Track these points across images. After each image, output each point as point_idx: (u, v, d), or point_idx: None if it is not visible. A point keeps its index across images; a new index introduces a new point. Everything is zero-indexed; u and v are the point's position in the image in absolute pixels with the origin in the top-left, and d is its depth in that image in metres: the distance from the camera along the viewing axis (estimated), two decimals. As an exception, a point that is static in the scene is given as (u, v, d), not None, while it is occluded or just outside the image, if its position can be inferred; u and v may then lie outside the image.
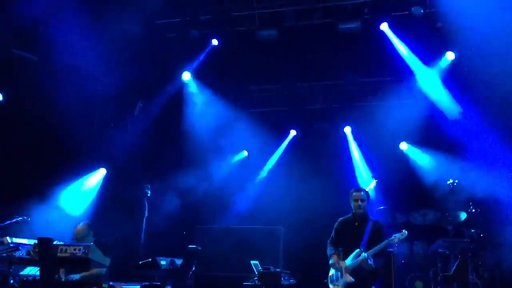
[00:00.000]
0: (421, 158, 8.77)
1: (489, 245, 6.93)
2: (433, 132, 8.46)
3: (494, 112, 7.59)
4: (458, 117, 8.20)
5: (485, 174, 7.49)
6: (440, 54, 8.33)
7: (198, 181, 9.39)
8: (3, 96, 8.37)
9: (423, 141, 8.70)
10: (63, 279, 5.43)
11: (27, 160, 8.29)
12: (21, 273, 5.81)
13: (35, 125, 8.23)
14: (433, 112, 8.42)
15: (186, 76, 9.39)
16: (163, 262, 5.65)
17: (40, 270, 5.18)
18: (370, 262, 5.43)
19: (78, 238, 5.92)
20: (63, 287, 5.39)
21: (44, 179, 8.37)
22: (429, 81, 8.47)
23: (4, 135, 8.16)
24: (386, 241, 5.49)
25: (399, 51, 8.33)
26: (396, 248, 7.23)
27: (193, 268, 6.39)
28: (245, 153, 9.89)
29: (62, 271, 5.62)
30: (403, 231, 5.51)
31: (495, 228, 6.95)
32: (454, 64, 8.28)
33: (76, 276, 5.56)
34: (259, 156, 9.66)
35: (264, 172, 9.60)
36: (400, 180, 8.42)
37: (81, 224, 6.12)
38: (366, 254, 5.43)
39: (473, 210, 7.12)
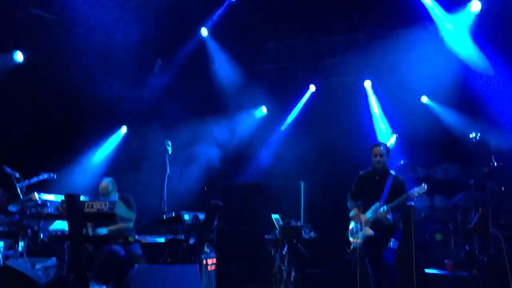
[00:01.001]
0: (442, 112, 8.63)
1: (510, 198, 6.90)
2: (457, 86, 8.28)
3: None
4: (485, 72, 8.00)
5: (508, 129, 7.40)
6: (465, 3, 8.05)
7: (219, 138, 9.47)
8: (24, 57, 8.43)
9: (446, 95, 8.53)
10: (91, 234, 5.63)
11: (52, 119, 8.44)
12: (50, 228, 6.04)
13: (56, 84, 8.32)
14: (458, 66, 8.21)
15: (204, 32, 9.31)
16: (186, 217, 5.79)
17: (68, 225, 5.36)
18: (389, 216, 5.48)
19: (103, 194, 6.11)
20: (91, 241, 5.58)
21: (69, 137, 8.54)
22: (455, 33, 8.22)
23: (27, 95, 8.29)
24: (405, 195, 5.53)
25: (422, 1, 8.08)
26: (416, 202, 7.25)
27: (216, 223, 6.55)
28: (264, 109, 9.86)
29: (89, 226, 5.82)
30: (423, 184, 5.52)
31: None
32: (482, 15, 7.98)
33: (104, 230, 5.76)
34: (279, 112, 9.64)
35: (284, 128, 9.59)
36: (421, 135, 8.32)
37: (105, 180, 6.29)
38: (385, 208, 5.49)
39: (495, 164, 7.04)
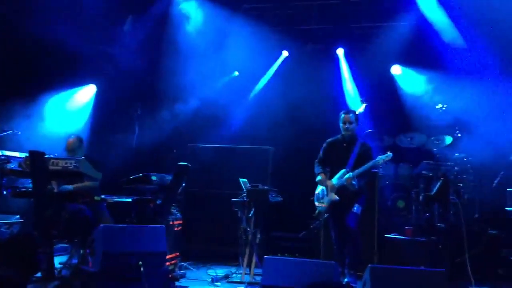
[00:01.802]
0: (412, 82, 8.75)
1: (471, 168, 7.13)
2: (427, 55, 8.37)
3: (495, 39, 7.51)
4: (456, 41, 8.09)
5: (475, 101, 7.56)
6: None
7: (190, 100, 9.39)
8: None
9: (417, 64, 8.64)
10: (55, 190, 5.56)
11: (16, 74, 8.16)
12: (14, 184, 5.94)
13: (23, 37, 8.01)
14: (430, 35, 8.27)
15: (178, -9, 9.08)
16: (154, 178, 5.79)
17: (32, 182, 5.29)
18: (354, 182, 5.62)
19: (69, 150, 6.01)
20: (56, 198, 5.51)
21: (34, 93, 8.29)
22: (429, 4, 8.25)
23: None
24: (371, 162, 5.67)
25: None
26: (381, 170, 7.42)
27: (183, 184, 6.57)
28: (236, 73, 9.79)
29: (54, 183, 5.74)
30: (388, 153, 5.69)
31: (478, 153, 7.11)
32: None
33: (69, 187, 5.70)
34: (250, 76, 9.57)
35: (255, 93, 9.56)
36: (389, 104, 8.46)
37: (72, 136, 6.18)
38: (351, 174, 5.61)
39: (459, 135, 7.24)
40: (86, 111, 9.33)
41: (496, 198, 7.05)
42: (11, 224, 6.16)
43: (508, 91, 7.38)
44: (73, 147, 6.06)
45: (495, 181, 7.18)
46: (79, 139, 6.19)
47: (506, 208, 6.75)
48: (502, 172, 7.17)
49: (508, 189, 6.92)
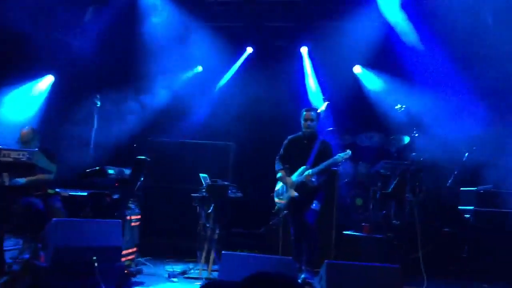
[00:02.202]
0: (373, 82, 8.91)
1: (427, 168, 7.30)
2: (388, 57, 8.54)
3: (451, 44, 7.72)
4: (415, 44, 8.28)
5: (432, 102, 7.76)
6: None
7: (151, 94, 9.25)
8: None
9: (377, 65, 8.79)
10: (7, 183, 5.36)
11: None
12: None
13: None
14: (391, 37, 8.44)
15: (140, -17, 8.91)
16: (111, 171, 5.69)
17: (-18, 174, 5.10)
18: (313, 179, 5.67)
19: (23, 142, 5.80)
20: (7, 191, 5.33)
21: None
22: (390, 5, 8.41)
23: None
24: (331, 160, 5.72)
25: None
26: (341, 168, 7.50)
27: (142, 179, 6.47)
28: (200, 68, 9.71)
29: (6, 176, 5.53)
30: (347, 150, 5.75)
31: (434, 153, 7.29)
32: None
33: (22, 180, 5.51)
34: (213, 72, 9.51)
35: (218, 88, 9.51)
36: (350, 103, 8.57)
37: (26, 127, 5.97)
38: (310, 171, 5.66)
39: (416, 135, 7.41)
40: (42, 102, 9.04)
41: (450, 197, 7.26)
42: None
43: (463, 93, 7.61)
44: (27, 138, 5.85)
45: (449, 180, 7.40)
46: (34, 131, 5.98)
47: (459, 207, 6.98)
48: (456, 172, 7.40)
49: (461, 189, 7.16)
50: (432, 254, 6.35)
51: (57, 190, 5.66)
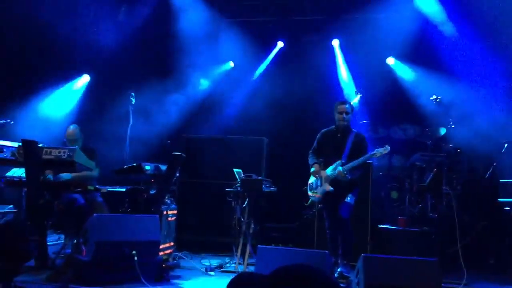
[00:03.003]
0: (407, 74, 8.76)
1: (464, 160, 7.16)
2: (423, 48, 8.38)
3: (487, 33, 7.52)
4: (450, 34, 8.10)
5: (469, 93, 7.59)
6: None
7: (185, 90, 9.37)
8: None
9: (411, 56, 8.63)
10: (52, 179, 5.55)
11: (9, 63, 8.10)
12: (7, 174, 5.91)
13: (16, 28, 7.94)
14: (424, 27, 8.28)
15: (172, -20, 9.01)
16: (147, 167, 5.79)
17: (26, 171, 5.28)
18: (347, 175, 5.62)
19: (70, 140, 6.04)
20: (49, 188, 5.51)
21: (27, 82, 8.25)
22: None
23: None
24: (368, 155, 5.64)
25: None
26: (375, 161, 7.44)
27: (177, 174, 6.57)
28: (231, 64, 9.76)
29: (49, 173, 5.73)
30: (386, 146, 5.62)
31: (471, 144, 7.14)
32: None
33: (68, 176, 5.70)
34: (245, 67, 9.54)
35: (250, 83, 9.53)
36: (384, 95, 8.46)
37: (72, 127, 6.20)
38: (341, 168, 5.61)
39: (453, 126, 7.26)
40: (80, 101, 9.29)
41: (489, 189, 7.09)
42: (4, 213, 6.14)
43: (501, 82, 7.40)
44: (74, 137, 6.11)
45: (488, 172, 7.22)
46: (79, 129, 6.23)
47: (499, 199, 6.81)
48: (494, 164, 7.21)
49: (500, 180, 6.97)
50: (471, 247, 6.23)
51: (97, 186, 5.80)
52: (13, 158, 5.32)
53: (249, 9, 9.51)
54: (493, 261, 6.37)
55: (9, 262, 3.28)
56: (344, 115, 5.84)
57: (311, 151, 6.10)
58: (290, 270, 1.86)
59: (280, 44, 9.53)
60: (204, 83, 9.61)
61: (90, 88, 9.40)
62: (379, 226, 6.66)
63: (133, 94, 8.27)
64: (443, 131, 7.46)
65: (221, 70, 9.73)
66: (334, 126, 6.02)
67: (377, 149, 5.61)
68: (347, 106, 5.91)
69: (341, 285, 5.20)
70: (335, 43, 9.23)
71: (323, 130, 6.12)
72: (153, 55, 9.27)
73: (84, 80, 9.37)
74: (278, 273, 1.89)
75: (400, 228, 6.50)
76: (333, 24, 9.10)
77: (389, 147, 5.61)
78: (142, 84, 9.11)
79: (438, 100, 7.38)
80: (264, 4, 9.41)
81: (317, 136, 6.12)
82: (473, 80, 7.67)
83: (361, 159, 5.59)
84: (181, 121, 9.06)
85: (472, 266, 5.89)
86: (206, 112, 9.14)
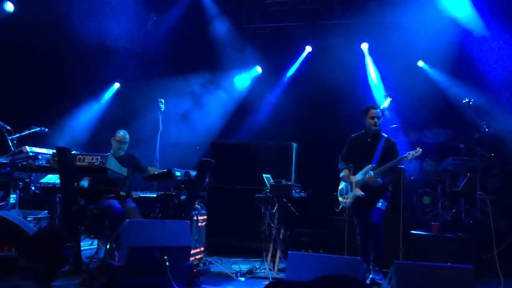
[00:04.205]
0: (437, 77, 8.60)
1: (499, 164, 6.97)
2: (453, 49, 8.23)
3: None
4: (481, 35, 7.93)
5: (502, 95, 7.40)
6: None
7: (213, 97, 9.44)
8: (15, 7, 8.21)
9: (442, 59, 8.48)
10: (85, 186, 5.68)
11: (44, 72, 8.32)
12: (42, 180, 6.06)
13: (48, 36, 8.16)
14: (455, 29, 8.13)
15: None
16: (178, 173, 5.85)
17: (60, 178, 5.40)
18: (378, 179, 5.54)
19: (123, 143, 6.17)
20: (84, 194, 5.61)
21: (61, 91, 8.46)
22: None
23: (18, 46, 8.13)
24: (399, 158, 5.57)
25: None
26: (406, 165, 7.32)
27: (207, 180, 6.61)
28: (259, 69, 9.78)
29: (85, 179, 5.84)
30: (418, 148, 5.54)
31: (506, 149, 6.96)
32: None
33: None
34: (273, 72, 9.55)
35: (278, 88, 9.53)
36: (414, 99, 8.32)
37: (122, 131, 6.33)
38: (372, 173, 5.53)
39: (486, 130, 7.08)
40: (110, 108, 9.47)
41: (524, 194, 6.90)
42: (39, 219, 6.28)
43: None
44: (126, 140, 6.29)
45: (523, 178, 7.02)
46: (127, 134, 6.40)
47: (536, 204, 6.61)
48: (530, 168, 7.01)
49: (536, 186, 6.78)
50: (507, 254, 6.05)
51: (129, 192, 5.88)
52: (48, 165, 5.45)
53: (277, 14, 9.53)
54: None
55: (48, 267, 3.35)
56: (375, 119, 5.76)
57: (341, 156, 6.05)
58: (330, 279, 1.83)
59: (308, 49, 9.50)
60: (240, 82, 9.63)
61: (120, 94, 9.57)
62: (411, 232, 6.53)
63: (162, 100, 8.38)
64: (476, 134, 7.29)
65: (249, 75, 9.76)
66: (364, 130, 5.95)
67: (408, 152, 5.54)
68: (378, 110, 5.83)
69: (374, 292, 5.13)
70: (364, 46, 9.15)
71: (353, 135, 6.06)
72: (183, 61, 9.37)
73: (115, 87, 9.55)
74: (317, 281, 1.86)
75: (434, 234, 6.37)
76: (361, 27, 9.03)
77: (421, 149, 5.53)
78: (172, 90, 9.24)
79: (470, 103, 7.22)
80: (292, 9, 9.41)
81: (347, 141, 6.06)
82: (506, 81, 7.47)
83: (392, 162, 5.52)
84: (210, 127, 9.13)
85: (509, 274, 5.71)
86: (236, 118, 9.19)
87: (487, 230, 5.90)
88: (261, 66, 9.75)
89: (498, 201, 6.73)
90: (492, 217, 5.96)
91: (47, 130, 6.72)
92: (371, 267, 5.55)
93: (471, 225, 6.42)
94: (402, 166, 6.72)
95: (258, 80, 9.68)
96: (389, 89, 8.32)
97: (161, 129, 8.07)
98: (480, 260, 5.94)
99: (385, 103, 7.83)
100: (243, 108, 9.21)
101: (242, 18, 9.45)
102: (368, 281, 5.37)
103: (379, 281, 5.37)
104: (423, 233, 6.52)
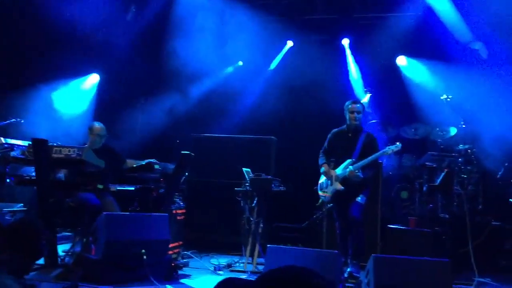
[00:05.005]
0: (417, 73, 8.69)
1: (476, 160, 7.08)
2: (432, 47, 8.32)
3: (500, 29, 7.44)
4: (462, 32, 8.02)
5: (480, 92, 7.50)
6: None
7: (193, 90, 9.36)
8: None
9: (421, 55, 8.58)
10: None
11: (19, 61, 8.13)
12: (18, 172, 5.94)
13: (25, 23, 7.97)
14: (435, 26, 8.20)
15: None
16: (157, 166, 5.80)
17: (36, 170, 5.29)
18: (359, 173, 5.59)
19: (101, 136, 5.98)
20: (60, 187, 5.52)
21: (37, 81, 8.27)
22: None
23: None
24: (379, 152, 5.64)
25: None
26: (385, 160, 7.38)
27: (186, 173, 6.57)
28: (240, 63, 9.74)
29: (63, 171, 5.74)
30: (397, 143, 5.63)
31: (482, 145, 7.07)
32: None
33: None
34: (254, 66, 9.51)
35: (259, 82, 9.50)
36: (393, 95, 8.42)
37: (99, 123, 6.12)
38: (352, 167, 5.58)
39: (464, 126, 7.18)
40: (89, 100, 9.31)
41: (500, 189, 7.02)
42: (14, 212, 6.16)
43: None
44: (104, 132, 6.05)
45: (500, 172, 7.14)
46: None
47: (510, 200, 6.73)
48: (506, 164, 7.13)
49: (512, 181, 6.90)
50: (482, 248, 6.16)
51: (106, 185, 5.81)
52: (23, 157, 5.34)
53: (258, 8, 9.47)
54: (504, 261, 6.30)
55: (21, 259, 3.29)
56: (355, 114, 5.81)
57: (321, 151, 6.07)
58: (276, 274, 1.75)
59: (290, 43, 9.49)
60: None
61: (100, 87, 9.41)
62: (389, 226, 6.60)
63: (143, 95, 8.29)
64: (453, 130, 7.39)
65: (230, 69, 9.71)
66: (345, 125, 5.99)
67: (388, 147, 5.61)
68: (358, 105, 5.88)
69: (351, 285, 5.17)
70: (345, 42, 9.18)
71: (334, 130, 6.09)
72: (162, 53, 9.24)
73: (93, 78, 9.39)
74: (264, 277, 1.79)
75: (411, 228, 6.45)
76: (343, 23, 9.06)
77: (400, 145, 5.61)
78: (151, 83, 9.15)
79: (448, 99, 7.31)
80: (273, 3, 9.37)
81: (328, 136, 6.09)
82: (485, 78, 7.57)
83: (372, 157, 5.58)
84: (190, 120, 9.06)
85: (483, 267, 5.82)
86: (216, 112, 9.13)
87: (463, 224, 5.99)
88: (242, 60, 9.69)
89: (474, 196, 6.83)
90: (468, 212, 6.06)
91: (22, 121, 6.60)
92: (349, 261, 5.60)
93: (448, 220, 6.51)
94: (381, 161, 6.78)
95: (239, 74, 9.63)
96: (369, 84, 8.38)
97: (140, 121, 8.01)
98: (456, 254, 6.03)
99: (364, 98, 7.89)
100: (224, 101, 9.15)
101: (225, 11, 9.35)
102: (345, 275, 5.41)
103: (356, 275, 5.42)
104: (400, 227, 6.59)
